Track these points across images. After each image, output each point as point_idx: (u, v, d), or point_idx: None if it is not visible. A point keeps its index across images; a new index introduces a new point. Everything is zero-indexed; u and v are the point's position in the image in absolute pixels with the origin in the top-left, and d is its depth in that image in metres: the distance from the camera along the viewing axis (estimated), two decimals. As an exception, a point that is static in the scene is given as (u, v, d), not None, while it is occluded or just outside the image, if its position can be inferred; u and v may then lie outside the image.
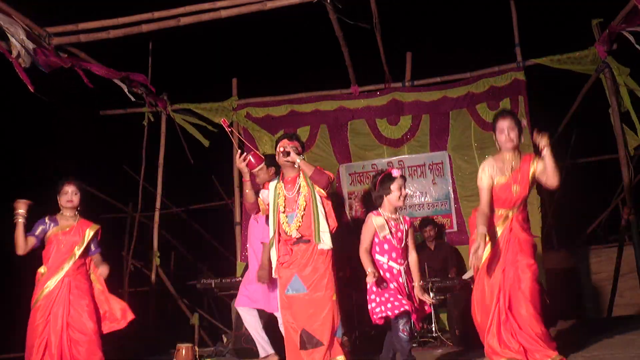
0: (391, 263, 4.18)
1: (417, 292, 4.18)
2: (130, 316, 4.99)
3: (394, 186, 4.22)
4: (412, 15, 8.42)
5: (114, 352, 5.29)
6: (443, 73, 7.58)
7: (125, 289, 7.71)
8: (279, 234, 4.46)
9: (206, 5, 5.80)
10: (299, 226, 4.37)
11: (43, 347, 4.61)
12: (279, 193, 4.51)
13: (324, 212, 4.42)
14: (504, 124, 4.16)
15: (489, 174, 4.20)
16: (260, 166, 4.57)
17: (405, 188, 4.30)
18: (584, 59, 6.88)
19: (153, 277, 7.55)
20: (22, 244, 4.72)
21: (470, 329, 5.50)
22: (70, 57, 6.06)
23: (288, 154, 4.38)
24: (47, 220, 4.88)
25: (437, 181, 7.29)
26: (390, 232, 4.21)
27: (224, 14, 5.79)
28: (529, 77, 7.14)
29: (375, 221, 4.23)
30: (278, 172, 5.09)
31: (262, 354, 5.11)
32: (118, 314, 4.96)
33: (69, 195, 4.87)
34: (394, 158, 7.41)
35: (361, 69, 7.58)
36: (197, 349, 5.38)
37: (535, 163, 4.16)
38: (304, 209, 4.40)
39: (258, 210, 4.70)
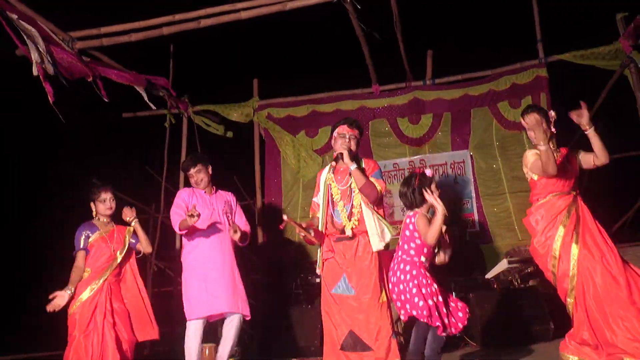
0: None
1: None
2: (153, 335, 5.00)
3: (433, 186, 4.09)
4: (432, 13, 8.36)
5: (137, 352, 5.34)
6: (464, 71, 7.52)
7: (149, 289, 7.75)
8: (326, 227, 4.29)
9: (226, 7, 5.81)
10: (356, 225, 4.22)
11: (83, 350, 4.59)
12: (330, 184, 4.34)
13: (375, 212, 4.25)
14: (526, 123, 4.17)
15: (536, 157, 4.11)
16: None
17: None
18: (608, 54, 6.76)
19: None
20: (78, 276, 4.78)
21: (493, 328, 5.49)
22: (93, 61, 6.13)
23: (342, 156, 4.20)
24: (86, 226, 4.89)
25: (459, 180, 7.24)
26: None
27: (244, 15, 5.80)
28: (551, 74, 7.06)
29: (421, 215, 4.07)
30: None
31: None
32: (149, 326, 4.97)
33: (108, 202, 4.90)
34: (416, 157, 7.38)
35: (382, 67, 7.55)
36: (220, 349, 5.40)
37: (575, 153, 4.14)
38: (360, 207, 4.24)
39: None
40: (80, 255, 4.79)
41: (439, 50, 7.77)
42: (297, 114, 7.87)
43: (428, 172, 4.20)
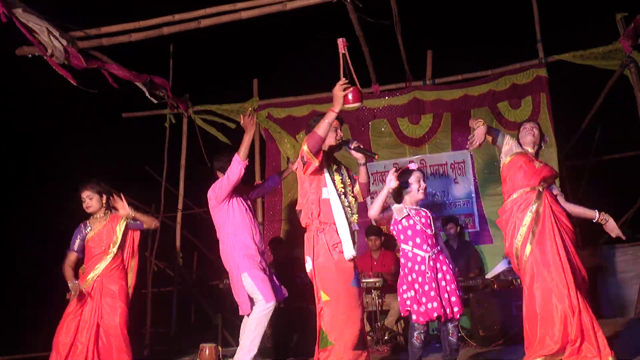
0: (415, 250, 4.01)
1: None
2: None
3: (412, 179, 4.12)
4: (432, 12, 8.36)
5: (138, 352, 5.35)
6: (464, 71, 7.52)
7: (149, 290, 7.76)
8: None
9: (226, 7, 5.82)
10: (357, 219, 4.12)
11: (69, 345, 4.69)
12: (334, 177, 4.11)
13: None
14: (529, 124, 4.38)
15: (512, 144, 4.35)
16: (355, 105, 3.90)
17: (424, 181, 4.18)
18: (607, 54, 6.77)
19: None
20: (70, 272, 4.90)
21: (493, 328, 5.48)
22: (93, 61, 6.13)
23: (362, 150, 4.08)
24: (82, 227, 4.99)
25: (459, 180, 7.24)
26: (412, 218, 4.06)
27: (244, 15, 5.81)
28: (551, 74, 7.06)
29: (394, 207, 4.12)
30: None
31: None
32: None
33: (86, 202, 4.96)
34: (416, 157, 7.38)
35: (382, 67, 7.54)
36: (220, 349, 5.40)
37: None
38: (354, 203, 4.16)
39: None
40: (70, 256, 4.93)
41: (439, 50, 7.77)
42: (298, 114, 7.85)
43: (412, 165, 4.25)
